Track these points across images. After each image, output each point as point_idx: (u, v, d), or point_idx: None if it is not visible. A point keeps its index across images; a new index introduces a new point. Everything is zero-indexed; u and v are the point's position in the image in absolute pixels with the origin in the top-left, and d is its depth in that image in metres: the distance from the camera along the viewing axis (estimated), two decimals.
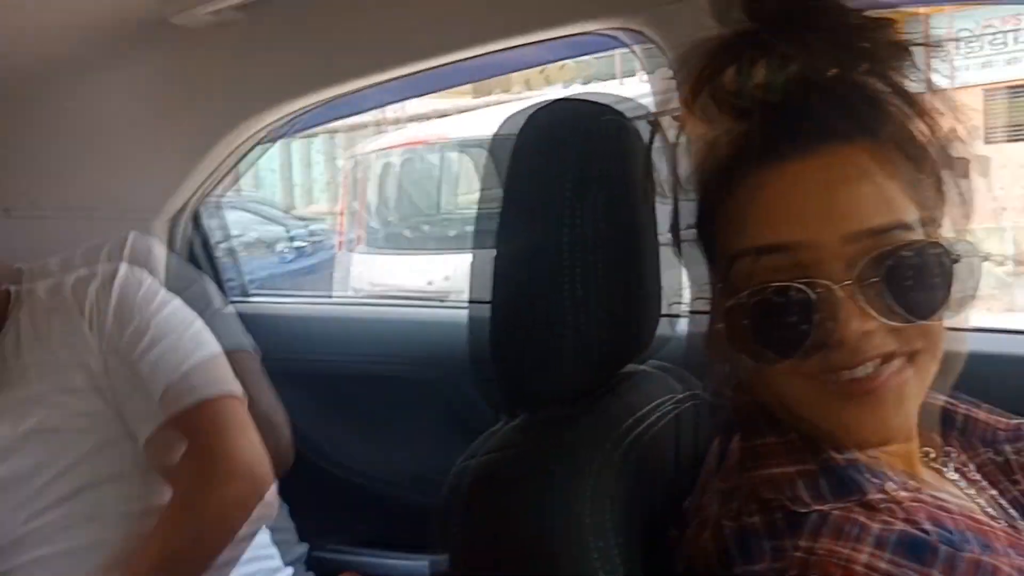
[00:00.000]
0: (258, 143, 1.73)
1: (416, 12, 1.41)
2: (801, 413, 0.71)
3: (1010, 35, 8.03)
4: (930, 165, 0.72)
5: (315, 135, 10.29)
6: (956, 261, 0.68)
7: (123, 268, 1.31)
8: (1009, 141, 8.10)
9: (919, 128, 0.71)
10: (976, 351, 1.19)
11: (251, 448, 1.20)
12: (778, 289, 0.67)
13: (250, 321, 1.65)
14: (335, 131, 9.95)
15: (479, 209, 0.81)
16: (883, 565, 0.60)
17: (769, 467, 0.70)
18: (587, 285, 0.75)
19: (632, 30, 1.23)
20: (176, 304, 1.31)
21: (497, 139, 0.83)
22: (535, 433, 0.79)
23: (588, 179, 0.76)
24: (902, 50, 0.70)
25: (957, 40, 8.17)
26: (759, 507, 0.68)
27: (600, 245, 0.76)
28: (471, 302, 0.79)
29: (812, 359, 0.68)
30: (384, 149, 5.45)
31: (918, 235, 0.68)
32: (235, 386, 1.26)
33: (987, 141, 8.24)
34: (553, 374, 0.77)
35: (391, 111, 8.62)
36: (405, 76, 1.43)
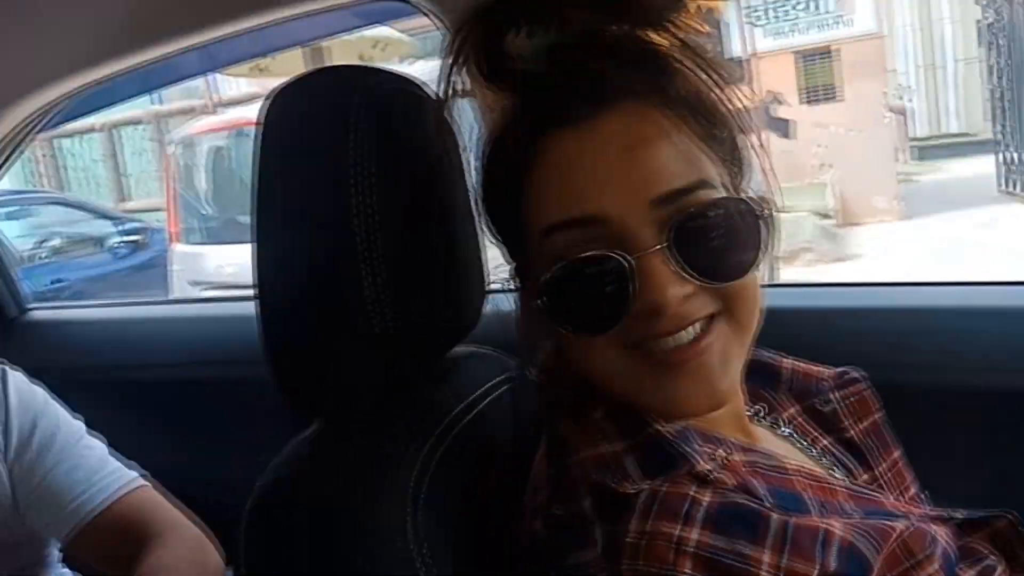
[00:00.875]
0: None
1: None
2: (626, 387, 0.67)
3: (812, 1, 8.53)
4: (724, 121, 0.69)
5: (140, 122, 9.58)
6: (762, 217, 0.66)
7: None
8: (825, 102, 8.65)
9: (708, 84, 0.68)
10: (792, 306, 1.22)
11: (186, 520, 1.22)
12: (592, 260, 0.63)
13: (66, 328, 1.45)
14: (160, 116, 9.32)
15: (259, 194, 0.71)
16: (714, 542, 0.57)
17: (597, 446, 0.66)
18: (386, 270, 0.68)
19: None
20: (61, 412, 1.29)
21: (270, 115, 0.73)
22: (328, 444, 0.71)
23: (377, 155, 0.68)
24: (677, 2, 0.67)
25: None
26: (588, 490, 0.64)
27: (398, 224, 0.69)
28: (259, 297, 0.69)
29: (633, 330, 0.64)
30: (208, 132, 5.07)
31: (721, 192, 0.66)
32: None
33: (802, 102, 8.77)
34: (352, 374, 0.69)
35: (213, 96, 8.20)
36: (181, 51, 1.27)
